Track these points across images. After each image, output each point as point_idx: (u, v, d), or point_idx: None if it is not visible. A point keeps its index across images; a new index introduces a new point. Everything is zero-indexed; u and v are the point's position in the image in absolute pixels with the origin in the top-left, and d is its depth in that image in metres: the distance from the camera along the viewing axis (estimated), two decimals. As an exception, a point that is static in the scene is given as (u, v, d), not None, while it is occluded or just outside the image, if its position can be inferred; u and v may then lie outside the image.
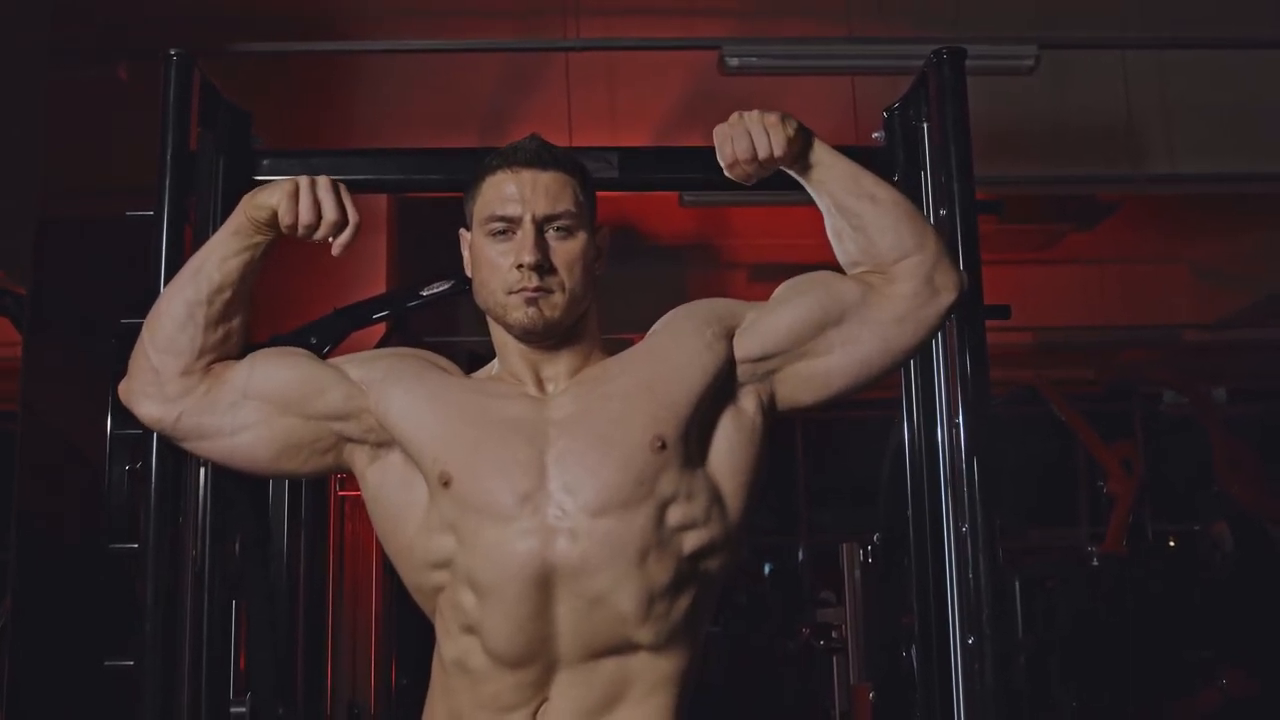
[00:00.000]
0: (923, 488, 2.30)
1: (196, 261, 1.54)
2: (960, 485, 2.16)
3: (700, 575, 1.48)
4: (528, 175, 1.51)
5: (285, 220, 1.49)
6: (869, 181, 1.59)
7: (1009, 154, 5.20)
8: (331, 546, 5.54)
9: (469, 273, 1.58)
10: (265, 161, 2.23)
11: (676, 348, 1.53)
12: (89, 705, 3.25)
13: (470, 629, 1.45)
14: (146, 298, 1.96)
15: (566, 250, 1.50)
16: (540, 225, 1.49)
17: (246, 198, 1.53)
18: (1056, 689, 4.53)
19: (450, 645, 1.49)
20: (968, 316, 2.15)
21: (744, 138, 1.54)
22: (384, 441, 1.53)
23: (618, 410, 1.47)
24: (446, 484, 1.45)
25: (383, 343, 5.14)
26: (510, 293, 1.49)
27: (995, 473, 2.11)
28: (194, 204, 2.10)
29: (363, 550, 5.73)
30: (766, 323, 1.56)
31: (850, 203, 1.58)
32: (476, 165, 1.58)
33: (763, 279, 7.43)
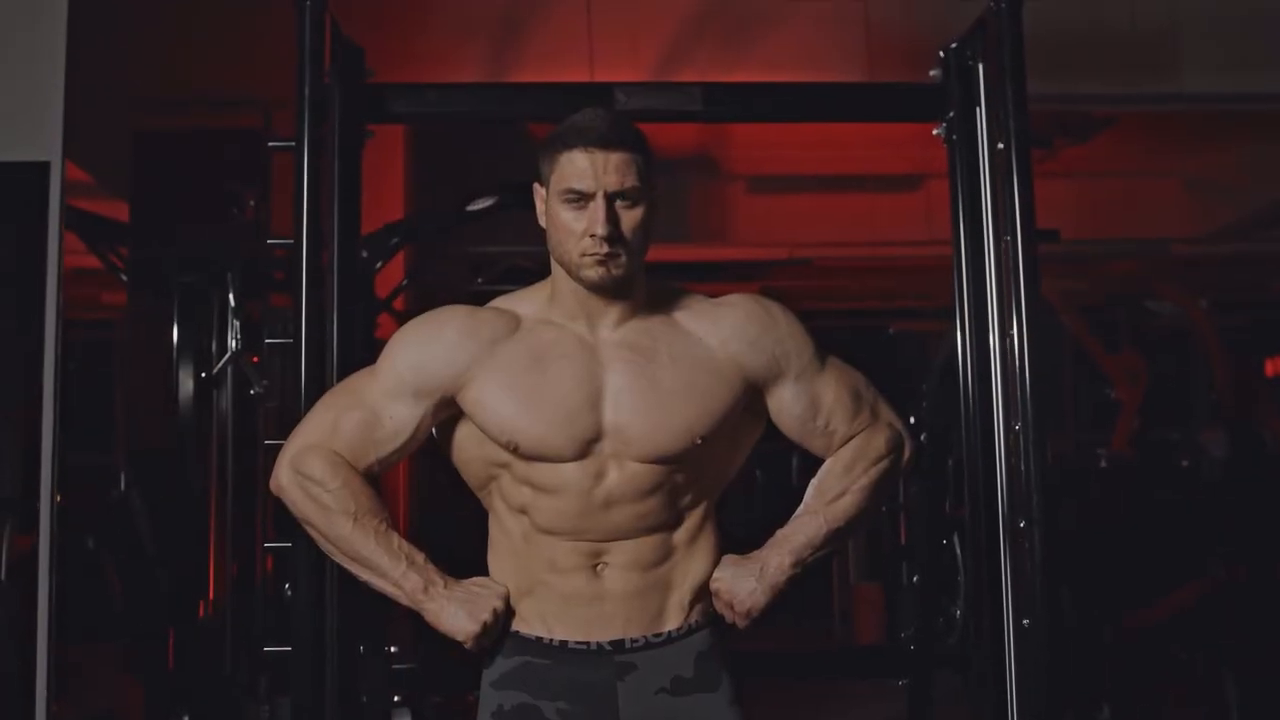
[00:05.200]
0: (972, 394, 2.60)
1: (364, 571, 1.79)
2: (1013, 388, 2.46)
3: (722, 482, 1.90)
4: (600, 155, 1.75)
5: (470, 647, 1.78)
6: (841, 522, 1.88)
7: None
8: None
9: (542, 223, 1.84)
10: (387, 97, 2.48)
11: (727, 368, 1.83)
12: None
13: (523, 509, 1.80)
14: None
15: (631, 218, 1.76)
16: (611, 199, 1.75)
17: (434, 611, 1.78)
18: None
19: (508, 518, 1.83)
20: (1023, 238, 2.43)
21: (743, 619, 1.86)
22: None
23: (667, 403, 1.78)
24: (514, 450, 1.76)
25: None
26: (584, 255, 1.76)
27: (1045, 377, 2.43)
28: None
29: (389, 490, 5.94)
30: (793, 402, 1.87)
31: (847, 535, 1.91)
32: (552, 134, 1.79)
33: (762, 190, 7.59)
